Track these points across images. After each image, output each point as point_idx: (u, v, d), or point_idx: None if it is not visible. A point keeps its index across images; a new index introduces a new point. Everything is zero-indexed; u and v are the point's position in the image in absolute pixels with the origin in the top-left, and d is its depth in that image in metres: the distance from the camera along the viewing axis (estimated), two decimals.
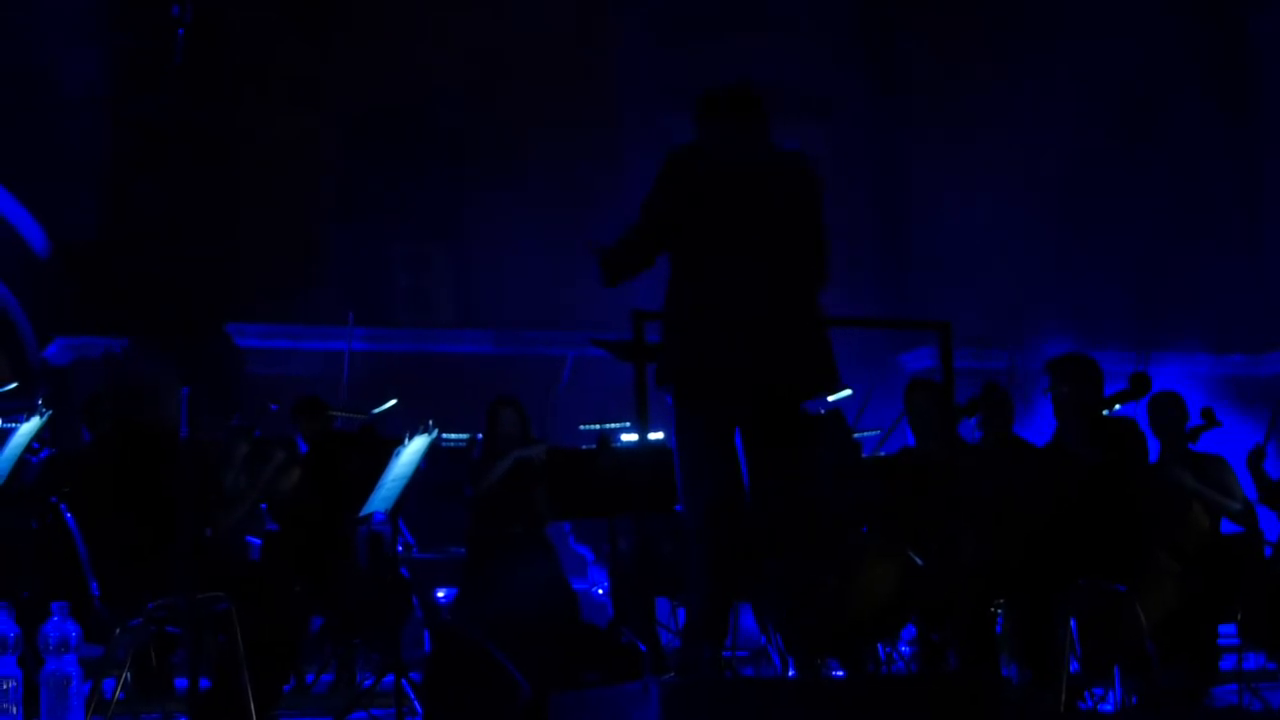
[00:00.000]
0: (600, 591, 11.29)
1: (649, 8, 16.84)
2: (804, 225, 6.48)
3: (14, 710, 5.28)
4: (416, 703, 8.26)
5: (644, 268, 6.57)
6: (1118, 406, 8.45)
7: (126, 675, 7.31)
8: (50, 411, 8.10)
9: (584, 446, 10.20)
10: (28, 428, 8.03)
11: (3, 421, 9.21)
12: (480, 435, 10.06)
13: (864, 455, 9.78)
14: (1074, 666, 8.09)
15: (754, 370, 6.30)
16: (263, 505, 9.34)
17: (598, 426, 10.83)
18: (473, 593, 9.77)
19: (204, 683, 6.95)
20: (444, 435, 8.96)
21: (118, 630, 7.16)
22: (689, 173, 6.43)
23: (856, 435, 9.83)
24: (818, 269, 6.55)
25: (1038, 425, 8.96)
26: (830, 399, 9.12)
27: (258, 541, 9.67)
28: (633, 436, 10.05)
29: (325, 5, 16.11)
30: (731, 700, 6.00)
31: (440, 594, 10.59)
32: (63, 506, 7.41)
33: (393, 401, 11.61)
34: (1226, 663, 9.05)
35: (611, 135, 16.00)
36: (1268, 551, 8.82)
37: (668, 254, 6.48)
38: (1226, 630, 8.70)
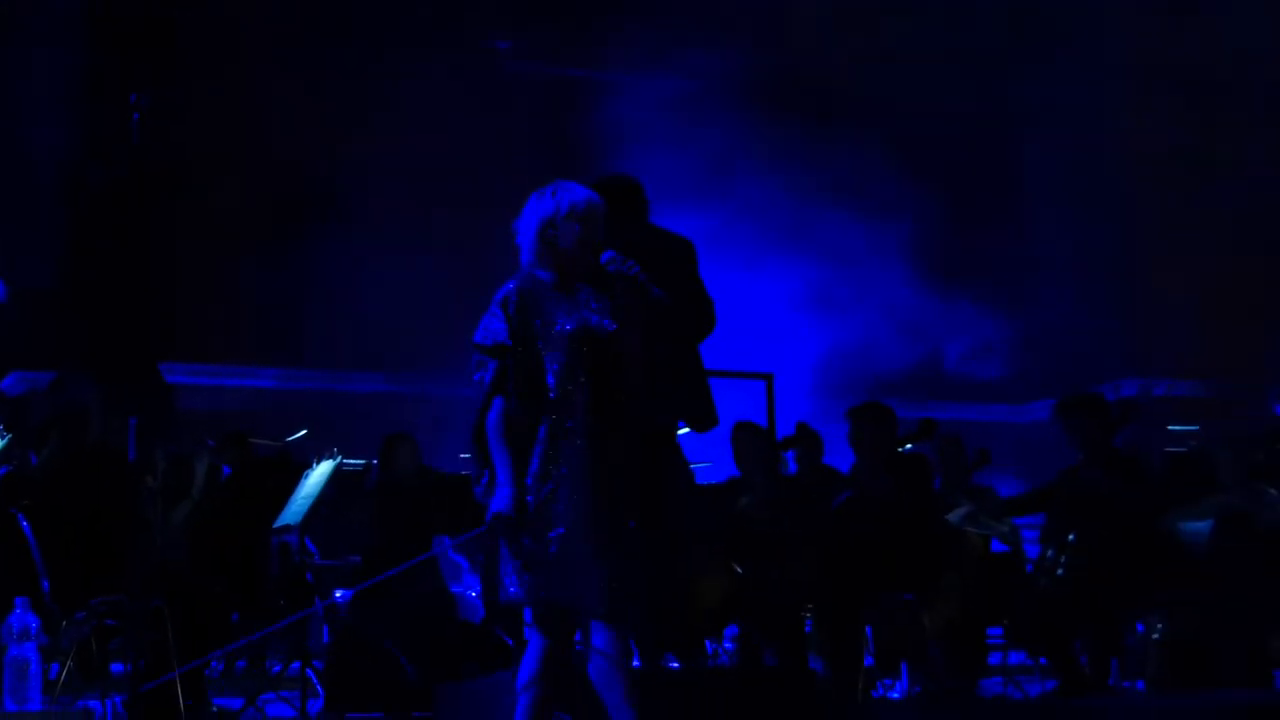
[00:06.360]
0: (474, 595, 11.25)
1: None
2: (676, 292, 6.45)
3: None
4: (319, 686, 8.22)
5: None
6: (908, 446, 8.60)
7: (70, 661, 7.22)
8: (10, 435, 8.01)
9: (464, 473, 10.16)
10: None
11: None
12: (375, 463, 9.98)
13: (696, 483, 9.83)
14: (868, 661, 8.19)
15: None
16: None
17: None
18: (367, 594, 9.70)
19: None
20: (345, 461, 8.93)
21: (64, 622, 7.07)
22: None
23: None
24: (703, 322, 6.64)
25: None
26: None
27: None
28: None
29: (261, 98, 15.89)
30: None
31: (338, 594, 10.51)
32: (20, 517, 7.31)
33: (303, 432, 11.54)
34: (993, 659, 9.20)
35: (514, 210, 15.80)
36: (1029, 568, 8.97)
37: None
38: (994, 632, 8.83)
